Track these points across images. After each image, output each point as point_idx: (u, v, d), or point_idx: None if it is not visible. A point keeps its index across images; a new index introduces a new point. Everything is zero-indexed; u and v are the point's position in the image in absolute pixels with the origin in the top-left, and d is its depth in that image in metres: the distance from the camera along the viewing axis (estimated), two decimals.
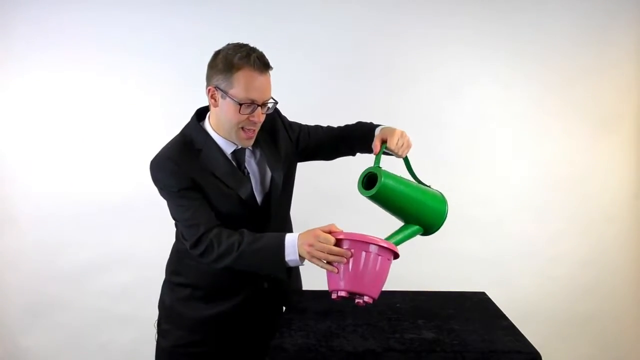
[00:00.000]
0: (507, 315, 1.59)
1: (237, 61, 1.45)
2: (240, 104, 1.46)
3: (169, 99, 2.69)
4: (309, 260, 1.41)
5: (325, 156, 1.85)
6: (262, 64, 1.46)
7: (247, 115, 1.48)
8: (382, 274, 1.40)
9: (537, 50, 2.71)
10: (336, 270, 1.37)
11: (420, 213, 1.56)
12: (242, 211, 1.58)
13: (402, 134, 1.57)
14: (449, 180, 2.74)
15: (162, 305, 1.73)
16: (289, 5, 2.68)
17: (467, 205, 2.75)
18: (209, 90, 1.51)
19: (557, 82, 2.73)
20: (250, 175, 1.61)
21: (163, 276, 1.77)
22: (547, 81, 2.73)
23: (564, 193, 2.77)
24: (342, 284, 1.38)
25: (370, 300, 1.39)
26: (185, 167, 1.51)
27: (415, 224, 1.56)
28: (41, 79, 2.69)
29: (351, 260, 1.37)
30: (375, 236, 1.43)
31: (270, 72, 1.51)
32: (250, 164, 1.62)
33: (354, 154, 1.82)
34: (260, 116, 1.50)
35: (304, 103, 2.71)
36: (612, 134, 2.76)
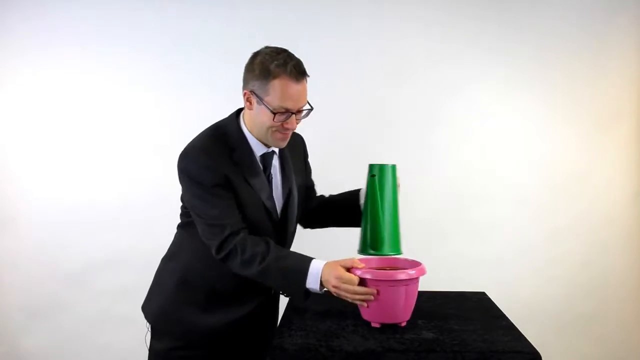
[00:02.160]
0: (507, 315, 1.59)
1: (273, 69, 1.43)
2: (275, 113, 1.45)
3: (171, 99, 2.69)
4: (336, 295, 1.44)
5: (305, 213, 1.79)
6: (298, 73, 1.45)
7: (280, 123, 1.48)
8: (412, 299, 1.47)
9: (537, 50, 2.71)
10: (365, 305, 1.43)
11: (385, 224, 1.54)
12: (262, 218, 1.56)
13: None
14: (449, 180, 2.76)
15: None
16: (288, 5, 2.68)
17: (467, 205, 2.75)
18: (245, 93, 1.50)
19: (557, 82, 2.73)
20: (273, 181, 1.60)
21: None
22: (546, 81, 2.73)
23: (564, 193, 2.77)
24: (375, 317, 1.46)
25: (404, 323, 1.47)
26: (219, 163, 1.48)
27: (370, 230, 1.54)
28: (41, 79, 2.70)
29: (380, 297, 1.41)
30: (400, 266, 1.52)
31: (306, 77, 1.49)
32: (276, 171, 1.61)
33: (332, 224, 1.81)
34: (293, 123, 1.50)
35: None
36: (612, 133, 2.76)
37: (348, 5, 2.70)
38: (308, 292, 1.45)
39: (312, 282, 1.42)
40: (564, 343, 2.76)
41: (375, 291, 1.40)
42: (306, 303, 1.49)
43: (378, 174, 1.53)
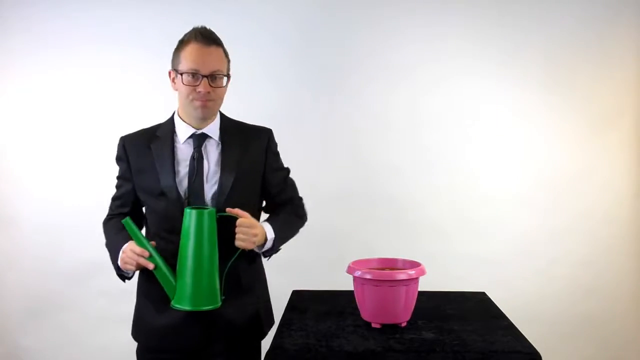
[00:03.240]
0: (507, 315, 1.60)
1: (184, 38, 1.52)
2: (182, 74, 1.48)
3: (170, 99, 2.67)
4: (123, 267, 1.52)
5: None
6: (204, 37, 1.49)
7: (193, 86, 1.48)
8: (412, 299, 1.47)
9: (537, 50, 2.71)
10: (151, 266, 1.43)
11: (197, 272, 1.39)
12: (164, 204, 1.53)
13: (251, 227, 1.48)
14: (449, 180, 2.76)
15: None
16: (279, 2, 2.68)
17: (467, 205, 2.75)
18: (169, 73, 1.56)
19: (557, 83, 2.73)
20: (205, 160, 1.55)
21: None
22: (546, 80, 2.73)
23: (564, 193, 2.76)
24: (375, 317, 1.46)
25: (404, 323, 1.47)
26: (131, 154, 1.64)
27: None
28: (41, 80, 2.70)
29: (380, 297, 1.42)
30: (400, 266, 1.52)
31: (222, 47, 1.52)
32: (210, 156, 1.56)
33: None
34: (206, 86, 1.47)
35: (293, 99, 2.72)
36: (612, 133, 2.76)
37: (338, 3, 2.69)
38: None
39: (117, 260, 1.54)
40: (563, 343, 2.75)
41: (148, 253, 1.42)
42: (302, 301, 1.49)
43: (195, 220, 1.38)
